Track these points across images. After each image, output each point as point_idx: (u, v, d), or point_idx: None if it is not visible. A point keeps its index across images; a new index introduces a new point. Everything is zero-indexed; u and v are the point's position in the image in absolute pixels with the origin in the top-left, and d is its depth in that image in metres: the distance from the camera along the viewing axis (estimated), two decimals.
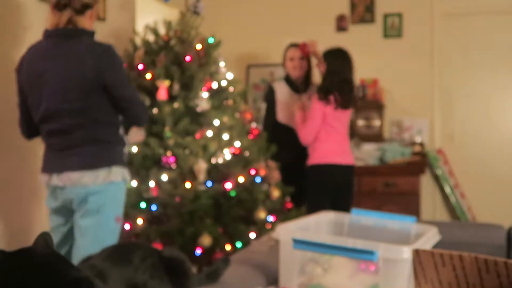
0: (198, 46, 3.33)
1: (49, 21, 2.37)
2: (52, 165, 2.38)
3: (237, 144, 3.29)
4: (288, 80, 3.88)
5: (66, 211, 2.41)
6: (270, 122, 3.87)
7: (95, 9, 2.41)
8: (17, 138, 2.63)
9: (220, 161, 3.20)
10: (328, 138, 3.55)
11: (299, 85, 3.86)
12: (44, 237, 0.98)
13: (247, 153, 3.36)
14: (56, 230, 2.45)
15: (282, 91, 3.86)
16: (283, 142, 3.63)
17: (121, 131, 2.50)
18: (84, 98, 2.30)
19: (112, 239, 2.36)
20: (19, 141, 2.73)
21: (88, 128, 2.33)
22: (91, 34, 2.37)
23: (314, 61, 3.76)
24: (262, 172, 3.36)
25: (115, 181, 2.36)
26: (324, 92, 3.48)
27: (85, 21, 2.35)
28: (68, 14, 2.31)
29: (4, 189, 2.83)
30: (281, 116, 3.82)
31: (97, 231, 2.34)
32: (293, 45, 3.84)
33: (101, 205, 2.33)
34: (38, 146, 2.76)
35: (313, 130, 3.51)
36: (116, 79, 2.34)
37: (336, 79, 3.50)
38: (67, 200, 2.36)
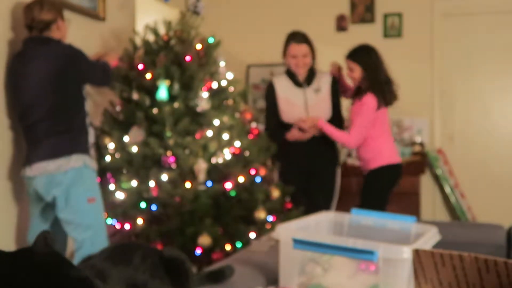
0: (198, 46, 3.33)
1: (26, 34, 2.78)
2: (26, 158, 2.70)
3: (237, 144, 3.29)
4: (289, 73, 3.57)
5: (39, 199, 2.73)
6: (272, 122, 3.61)
7: (60, 21, 2.78)
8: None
9: (220, 161, 3.20)
10: (388, 137, 3.50)
11: (303, 79, 3.55)
12: (44, 236, 0.97)
13: (247, 153, 3.36)
14: (33, 214, 2.78)
15: (283, 86, 3.56)
16: (290, 144, 3.50)
17: (87, 120, 2.83)
18: (51, 96, 2.66)
19: (91, 218, 2.74)
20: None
21: (51, 122, 2.66)
22: (57, 41, 2.76)
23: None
24: (262, 172, 3.36)
25: (76, 166, 2.67)
26: (377, 90, 3.35)
27: (53, 34, 2.75)
28: (36, 33, 2.72)
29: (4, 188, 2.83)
30: (285, 114, 3.53)
31: (73, 214, 2.68)
32: (295, 39, 3.49)
33: (67, 191, 2.65)
34: None
35: (366, 130, 3.38)
36: (78, 59, 2.78)
37: (380, 75, 3.39)
38: (39, 188, 2.66)
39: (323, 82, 3.55)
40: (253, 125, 3.60)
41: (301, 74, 3.53)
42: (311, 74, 3.55)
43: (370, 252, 1.41)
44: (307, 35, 3.52)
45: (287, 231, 1.58)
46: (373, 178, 3.48)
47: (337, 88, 3.60)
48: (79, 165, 2.69)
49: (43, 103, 2.65)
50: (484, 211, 4.56)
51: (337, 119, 3.55)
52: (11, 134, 2.83)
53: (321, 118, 3.45)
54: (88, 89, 3.41)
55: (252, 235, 3.12)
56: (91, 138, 2.86)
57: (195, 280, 1.38)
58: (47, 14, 2.70)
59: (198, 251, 2.99)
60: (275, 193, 3.37)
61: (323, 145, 3.53)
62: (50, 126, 2.66)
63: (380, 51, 5.01)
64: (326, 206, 3.43)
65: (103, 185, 3.15)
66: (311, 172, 3.55)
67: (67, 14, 3.17)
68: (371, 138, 3.42)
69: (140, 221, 3.05)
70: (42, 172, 2.63)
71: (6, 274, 0.89)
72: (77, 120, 2.77)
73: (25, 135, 2.74)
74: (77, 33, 3.28)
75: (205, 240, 2.96)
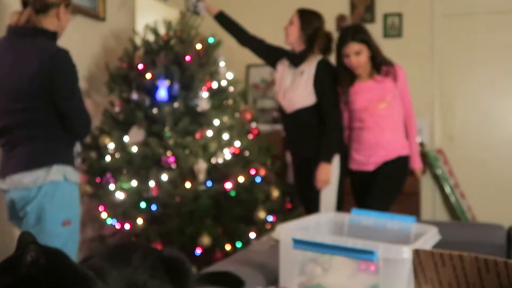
0: (198, 46, 3.33)
1: (13, 17, 2.26)
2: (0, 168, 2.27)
3: (237, 144, 3.29)
4: (288, 52, 3.26)
5: (16, 214, 2.27)
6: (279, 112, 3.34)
7: (63, 8, 2.26)
8: None
9: (220, 161, 3.20)
10: None
11: (296, 56, 3.17)
12: (31, 249, 0.99)
13: (247, 153, 3.36)
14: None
15: (280, 67, 3.24)
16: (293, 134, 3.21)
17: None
18: (28, 99, 2.17)
19: (61, 243, 2.14)
20: None
21: (28, 127, 2.20)
22: (50, 34, 2.23)
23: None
24: (262, 172, 3.36)
25: (56, 180, 2.19)
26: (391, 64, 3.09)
27: (48, 21, 2.23)
28: (28, 13, 2.21)
29: None
30: (279, 100, 3.20)
31: (41, 237, 2.11)
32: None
33: (41, 209, 2.17)
34: None
35: None
36: (60, 86, 2.18)
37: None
38: (13, 203, 2.23)
39: (309, 66, 3.12)
40: (253, 125, 3.60)
41: (294, 49, 3.19)
42: (302, 55, 3.14)
43: (370, 252, 1.41)
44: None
45: (287, 231, 1.58)
46: (404, 165, 3.09)
47: (326, 73, 3.09)
48: (58, 179, 2.19)
49: (20, 107, 2.19)
50: (484, 211, 4.56)
51: (322, 107, 3.07)
52: None
53: (296, 102, 3.11)
54: (87, 89, 3.41)
55: (252, 235, 3.12)
56: (77, 147, 2.36)
57: (195, 280, 1.38)
58: None
59: (198, 251, 3.00)
60: (275, 193, 3.37)
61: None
62: (25, 133, 2.21)
63: None
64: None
65: (103, 185, 3.15)
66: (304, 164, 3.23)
67: None
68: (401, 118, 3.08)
69: (140, 221, 3.05)
70: (17, 184, 2.18)
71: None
72: (58, 127, 2.25)
73: None
74: (77, 33, 3.28)
75: (205, 240, 2.96)
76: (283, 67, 3.22)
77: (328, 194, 3.06)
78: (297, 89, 3.10)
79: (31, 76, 2.14)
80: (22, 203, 2.19)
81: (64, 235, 2.21)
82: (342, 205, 3.11)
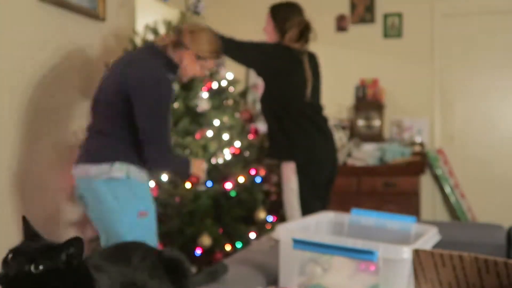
0: None
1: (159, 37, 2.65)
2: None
3: (237, 144, 3.29)
4: None
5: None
6: None
7: (191, 55, 2.44)
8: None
9: (220, 161, 3.20)
10: None
11: None
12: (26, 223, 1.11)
13: (247, 153, 3.36)
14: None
15: None
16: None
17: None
18: (115, 99, 2.34)
19: (135, 234, 2.30)
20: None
21: (103, 122, 2.38)
22: (169, 62, 2.42)
23: None
24: (262, 172, 3.36)
25: (117, 177, 2.31)
26: None
27: (175, 56, 2.44)
28: (168, 39, 2.47)
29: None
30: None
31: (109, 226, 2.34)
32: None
33: (99, 201, 2.33)
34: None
35: None
36: (138, 104, 2.31)
37: None
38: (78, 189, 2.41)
39: None
40: (253, 125, 3.60)
41: None
42: None
43: (370, 252, 1.41)
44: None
45: (287, 231, 1.58)
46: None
47: None
48: (119, 175, 2.33)
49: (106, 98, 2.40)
50: (484, 211, 4.56)
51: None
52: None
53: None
54: (87, 89, 3.41)
55: (252, 235, 3.12)
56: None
57: (194, 280, 1.38)
58: (184, 36, 2.42)
59: (198, 251, 2.99)
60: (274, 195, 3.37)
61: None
62: (100, 126, 2.41)
63: (380, 51, 5.01)
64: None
65: None
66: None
67: (67, 14, 3.17)
68: None
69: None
70: (82, 175, 2.36)
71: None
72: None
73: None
74: (77, 33, 3.28)
75: (205, 240, 2.96)
76: None
77: (288, 198, 2.97)
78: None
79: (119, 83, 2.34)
80: (83, 192, 2.37)
81: (144, 226, 2.39)
82: (309, 207, 2.92)
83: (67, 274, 1.04)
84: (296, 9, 3.07)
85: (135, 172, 2.38)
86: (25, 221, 1.13)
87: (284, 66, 3.00)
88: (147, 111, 2.31)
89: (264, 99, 3.04)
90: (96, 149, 2.37)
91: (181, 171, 2.57)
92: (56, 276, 1.02)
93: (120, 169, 2.32)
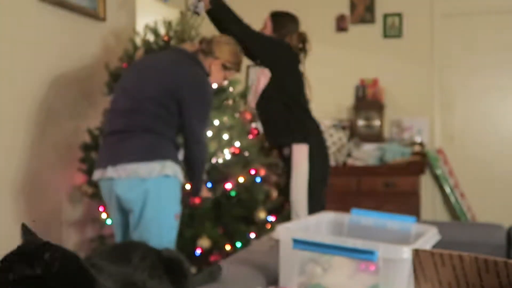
0: None
1: (185, 45, 2.73)
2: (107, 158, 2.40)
3: (237, 144, 3.28)
4: None
5: (120, 205, 2.40)
6: None
7: (218, 64, 2.58)
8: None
9: (220, 161, 3.20)
10: None
11: None
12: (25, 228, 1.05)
13: (247, 153, 3.35)
14: (117, 225, 2.48)
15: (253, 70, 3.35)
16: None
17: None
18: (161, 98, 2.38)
19: (172, 236, 2.39)
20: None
21: (151, 118, 2.37)
22: (200, 66, 2.53)
23: None
24: (262, 172, 3.36)
25: (169, 174, 2.33)
26: None
27: (207, 62, 2.56)
28: (197, 47, 2.60)
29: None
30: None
31: (148, 228, 2.33)
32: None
33: (153, 200, 2.32)
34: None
35: None
36: (187, 102, 2.39)
37: None
38: (113, 191, 2.35)
39: None
40: (253, 125, 3.60)
41: None
42: None
43: (370, 252, 1.41)
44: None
45: (287, 231, 1.58)
46: None
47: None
48: (170, 173, 2.36)
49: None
50: (484, 211, 4.56)
51: None
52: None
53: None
54: (87, 89, 3.41)
55: (252, 235, 3.12)
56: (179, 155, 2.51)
57: (193, 281, 1.38)
58: (217, 49, 2.58)
59: (198, 251, 2.99)
60: (275, 193, 3.36)
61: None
62: (147, 123, 2.41)
63: (380, 51, 5.02)
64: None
65: None
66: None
67: (67, 14, 3.18)
68: None
69: None
70: (130, 174, 2.31)
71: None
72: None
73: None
74: (77, 33, 3.28)
75: (204, 242, 2.96)
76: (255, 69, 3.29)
77: (297, 183, 2.97)
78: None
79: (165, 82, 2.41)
80: (129, 193, 2.31)
81: (176, 228, 2.41)
82: (317, 195, 3.01)
83: (49, 280, 0.99)
84: (297, 22, 3.23)
85: (180, 172, 2.43)
86: (23, 228, 1.09)
87: (294, 58, 3.14)
88: (198, 112, 2.43)
89: (272, 88, 3.07)
90: (148, 147, 2.34)
91: (200, 181, 2.61)
92: (35, 283, 0.97)
93: (171, 168, 2.35)
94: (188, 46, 2.66)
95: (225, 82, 2.96)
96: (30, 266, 0.97)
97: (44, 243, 0.99)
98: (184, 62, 2.50)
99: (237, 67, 2.69)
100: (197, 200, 2.97)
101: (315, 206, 2.90)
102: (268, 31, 3.18)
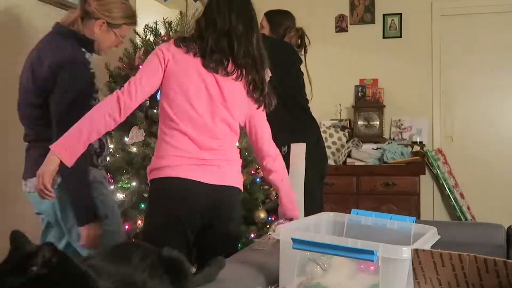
0: None
1: (64, 17, 2.28)
2: None
3: (237, 144, 3.28)
4: None
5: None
6: None
7: (101, 24, 2.21)
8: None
9: None
10: None
11: None
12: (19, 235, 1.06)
13: (247, 153, 3.35)
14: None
15: None
16: None
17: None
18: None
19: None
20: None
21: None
22: (80, 40, 2.20)
23: None
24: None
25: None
26: None
27: (87, 29, 2.20)
28: (75, 16, 2.22)
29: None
30: None
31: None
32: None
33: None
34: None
35: None
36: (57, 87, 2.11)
37: None
38: None
39: None
40: None
41: None
42: None
43: (370, 252, 1.41)
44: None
45: (287, 231, 1.58)
46: None
47: None
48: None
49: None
50: (484, 211, 4.56)
51: None
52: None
53: None
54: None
55: (252, 235, 3.12)
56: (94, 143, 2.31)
57: (193, 281, 1.38)
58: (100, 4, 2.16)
59: None
60: (275, 193, 3.36)
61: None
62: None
63: (380, 51, 5.01)
64: None
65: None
66: None
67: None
68: None
69: (140, 221, 3.05)
70: None
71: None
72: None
73: None
74: None
75: None
76: None
77: (294, 181, 2.91)
78: None
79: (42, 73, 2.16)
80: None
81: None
82: (313, 194, 2.99)
83: (47, 282, 0.98)
84: (292, 18, 3.23)
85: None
86: (12, 236, 1.08)
87: (295, 58, 3.12)
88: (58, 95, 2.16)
89: (271, 88, 3.06)
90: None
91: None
92: (33, 286, 0.97)
93: None
94: (66, 17, 2.27)
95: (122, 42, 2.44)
96: (24, 272, 0.97)
97: (41, 244, 0.99)
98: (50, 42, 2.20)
99: (127, 20, 2.29)
100: None
101: (312, 205, 2.91)
102: (267, 32, 3.17)
